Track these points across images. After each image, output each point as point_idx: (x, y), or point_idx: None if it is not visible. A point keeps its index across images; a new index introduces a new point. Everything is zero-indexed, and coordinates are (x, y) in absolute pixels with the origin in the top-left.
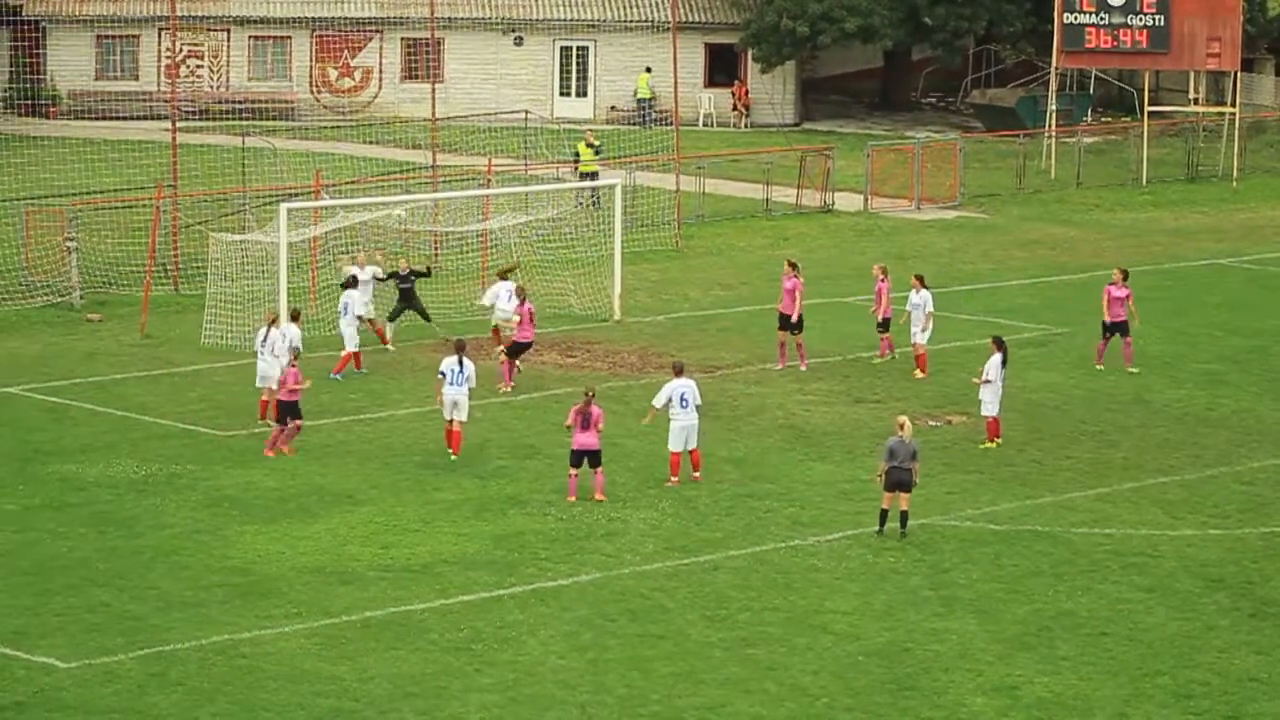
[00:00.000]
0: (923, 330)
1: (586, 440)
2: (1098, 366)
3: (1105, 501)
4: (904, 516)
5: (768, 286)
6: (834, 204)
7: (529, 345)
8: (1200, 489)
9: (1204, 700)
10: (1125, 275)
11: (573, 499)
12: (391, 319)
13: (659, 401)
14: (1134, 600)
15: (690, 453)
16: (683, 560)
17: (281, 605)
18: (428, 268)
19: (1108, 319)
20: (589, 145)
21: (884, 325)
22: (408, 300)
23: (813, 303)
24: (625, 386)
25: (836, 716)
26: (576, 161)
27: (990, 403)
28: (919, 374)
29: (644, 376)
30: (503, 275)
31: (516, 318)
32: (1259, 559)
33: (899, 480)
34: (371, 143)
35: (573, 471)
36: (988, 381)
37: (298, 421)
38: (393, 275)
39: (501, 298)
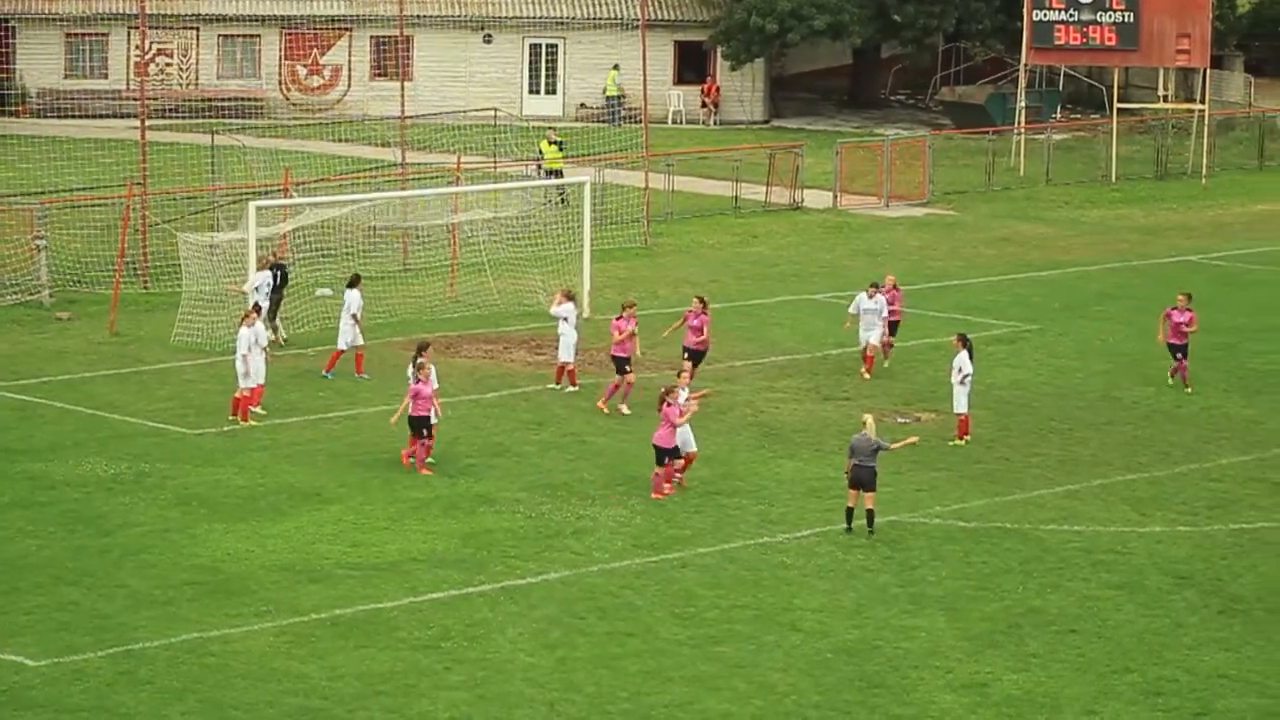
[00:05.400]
0: (873, 331)
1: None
2: (1185, 388)
3: (1074, 499)
4: (870, 515)
5: (737, 284)
6: (803, 201)
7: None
8: (1169, 486)
9: (1173, 697)
10: (1189, 298)
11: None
12: (270, 317)
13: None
14: (1103, 597)
15: (686, 456)
16: (651, 558)
17: (250, 603)
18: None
19: (1164, 339)
20: (552, 142)
21: (893, 328)
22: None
23: (782, 300)
24: (594, 385)
25: (805, 714)
26: (540, 159)
27: (961, 400)
28: (865, 374)
29: (613, 374)
30: (569, 295)
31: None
32: (1227, 556)
33: (860, 478)
34: (341, 141)
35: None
36: (967, 376)
37: (428, 441)
38: (276, 267)
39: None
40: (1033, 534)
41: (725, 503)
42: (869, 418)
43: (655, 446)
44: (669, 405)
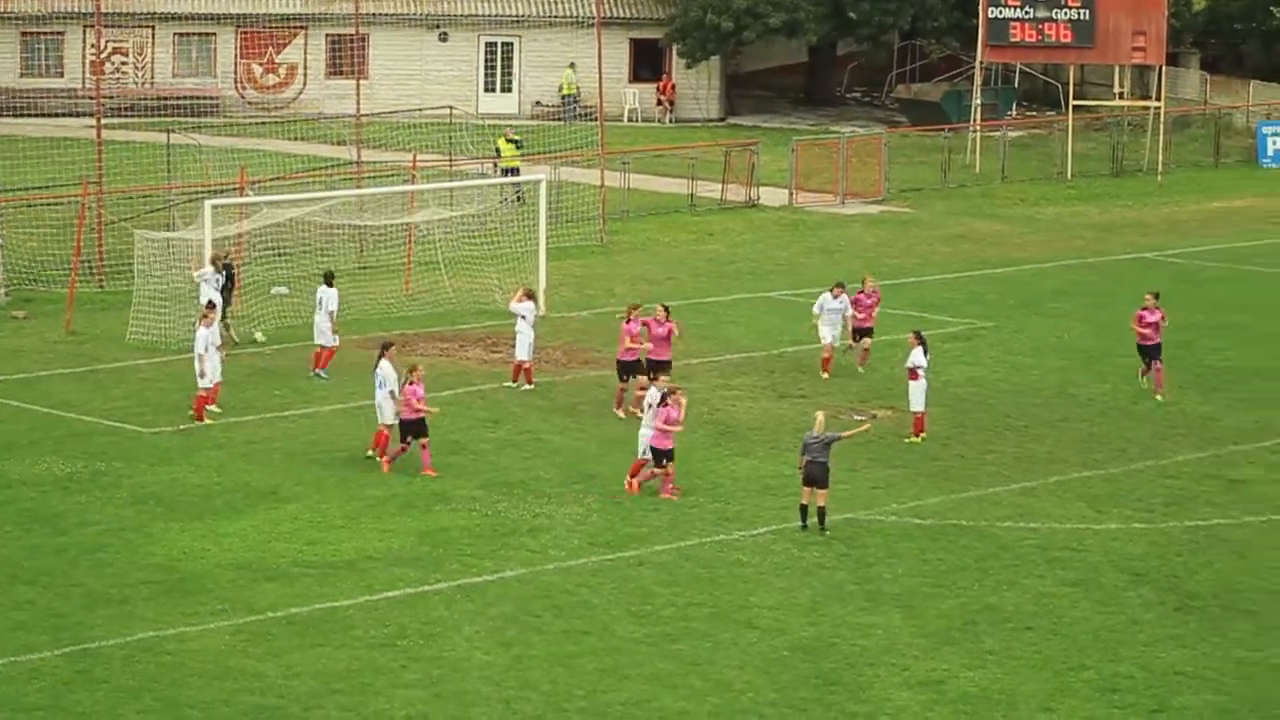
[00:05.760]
0: (835, 331)
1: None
2: (1156, 394)
3: (1030, 496)
4: (821, 513)
5: (693, 282)
6: (759, 199)
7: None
8: (1125, 483)
9: (1129, 694)
10: (1157, 297)
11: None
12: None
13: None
14: (1059, 594)
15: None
16: (608, 556)
17: (206, 602)
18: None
19: (1141, 342)
20: (509, 140)
21: (867, 332)
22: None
23: (738, 298)
24: (550, 383)
25: (761, 711)
26: (497, 158)
27: (917, 397)
28: (824, 375)
29: (568, 372)
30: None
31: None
32: (1183, 553)
33: (812, 475)
34: (296, 139)
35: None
36: (919, 368)
37: (423, 439)
38: (224, 267)
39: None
40: (989, 531)
41: (681, 501)
42: (820, 414)
43: (651, 448)
44: (666, 407)
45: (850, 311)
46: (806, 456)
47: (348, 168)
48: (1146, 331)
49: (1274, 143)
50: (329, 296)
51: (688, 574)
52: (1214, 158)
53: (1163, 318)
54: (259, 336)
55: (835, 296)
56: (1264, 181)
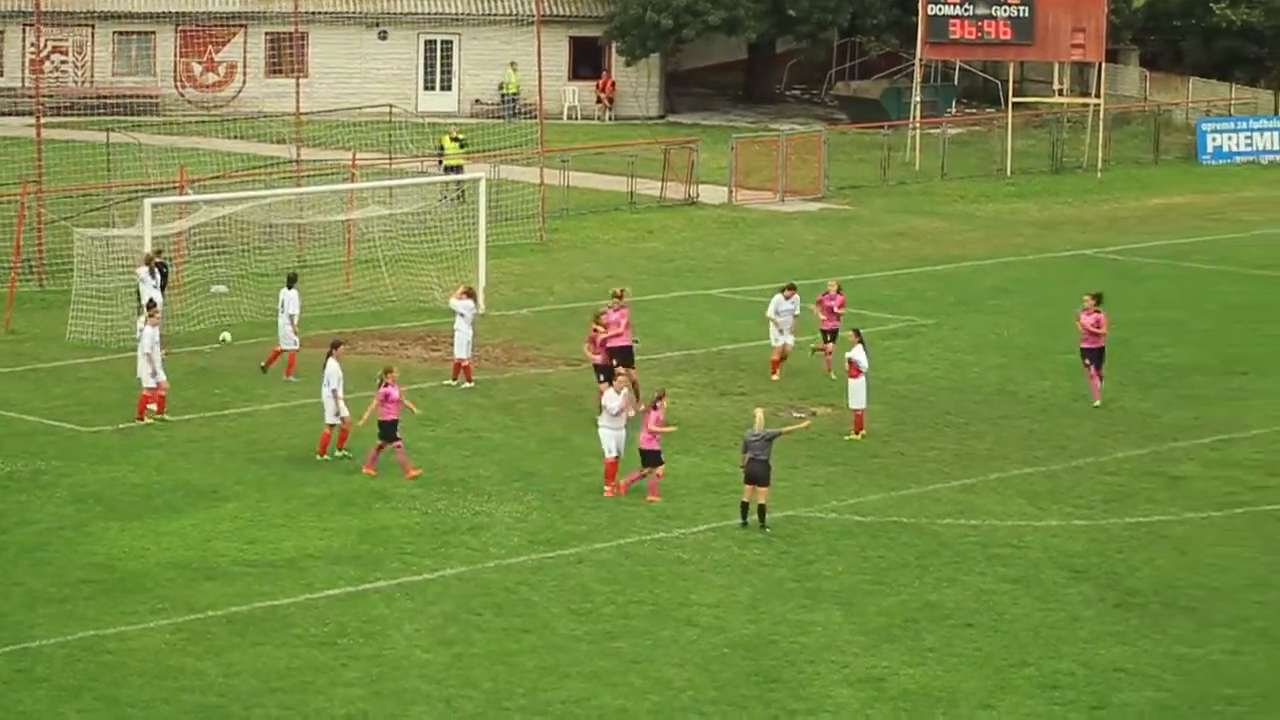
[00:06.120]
0: (789, 333)
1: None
2: (1094, 402)
3: (970, 493)
4: (761, 511)
5: (633, 280)
6: (698, 197)
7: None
8: (1065, 480)
9: (1069, 691)
10: (1098, 300)
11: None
12: None
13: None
14: (999, 591)
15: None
16: (548, 554)
17: (146, 601)
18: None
19: (1083, 344)
20: (454, 139)
21: (832, 335)
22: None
23: (678, 295)
24: (490, 381)
25: (702, 709)
26: (441, 155)
27: (858, 395)
28: (774, 377)
29: (508, 370)
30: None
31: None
32: (1123, 549)
33: (753, 473)
34: (236, 138)
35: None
36: (859, 365)
37: (396, 443)
38: (157, 265)
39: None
40: (929, 528)
41: (622, 498)
42: (759, 412)
43: (641, 451)
44: (654, 409)
45: (799, 310)
46: (748, 454)
47: (287, 166)
48: (1090, 334)
49: (1213, 140)
50: (290, 299)
51: (628, 571)
52: (1154, 154)
53: (1100, 321)
54: (226, 337)
55: (787, 298)
56: (1203, 178)
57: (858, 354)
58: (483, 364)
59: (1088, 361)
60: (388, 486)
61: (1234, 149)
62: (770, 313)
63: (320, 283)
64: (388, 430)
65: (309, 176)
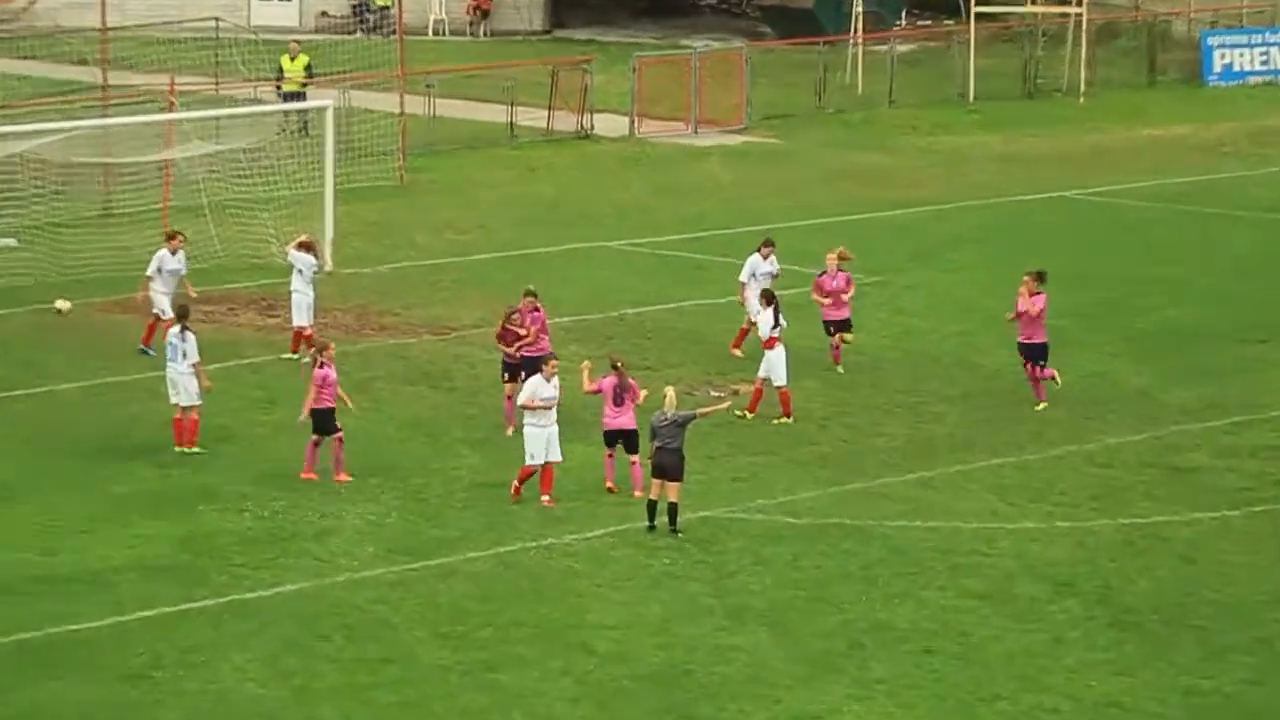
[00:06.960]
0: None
1: (622, 419)
2: (1039, 406)
3: (928, 488)
4: (673, 510)
5: (513, 229)
6: (593, 128)
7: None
8: (1043, 472)
9: None
10: (1039, 279)
11: (610, 486)
12: None
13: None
14: (965, 609)
15: (546, 466)
16: (410, 565)
17: None
18: None
19: (1020, 339)
20: (294, 58)
21: (843, 325)
22: None
23: (570, 248)
24: (339, 354)
25: None
26: (279, 79)
27: (779, 369)
28: (736, 351)
29: (361, 340)
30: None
31: None
32: (1117, 557)
33: (662, 464)
34: (27, 58)
35: (609, 452)
36: (772, 334)
37: (337, 434)
38: None
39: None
40: (877, 532)
41: (499, 496)
42: (670, 390)
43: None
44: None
45: (777, 271)
46: (656, 442)
47: (91, 93)
48: (1030, 324)
49: (1222, 56)
50: (163, 260)
51: (508, 587)
52: (1148, 75)
53: (1041, 312)
54: (61, 305)
55: (765, 257)
56: (1209, 103)
57: (762, 322)
58: (330, 333)
59: (1027, 360)
60: (214, 483)
61: (1246, 68)
62: (744, 277)
63: (131, 235)
64: (324, 420)
65: (117, 105)
